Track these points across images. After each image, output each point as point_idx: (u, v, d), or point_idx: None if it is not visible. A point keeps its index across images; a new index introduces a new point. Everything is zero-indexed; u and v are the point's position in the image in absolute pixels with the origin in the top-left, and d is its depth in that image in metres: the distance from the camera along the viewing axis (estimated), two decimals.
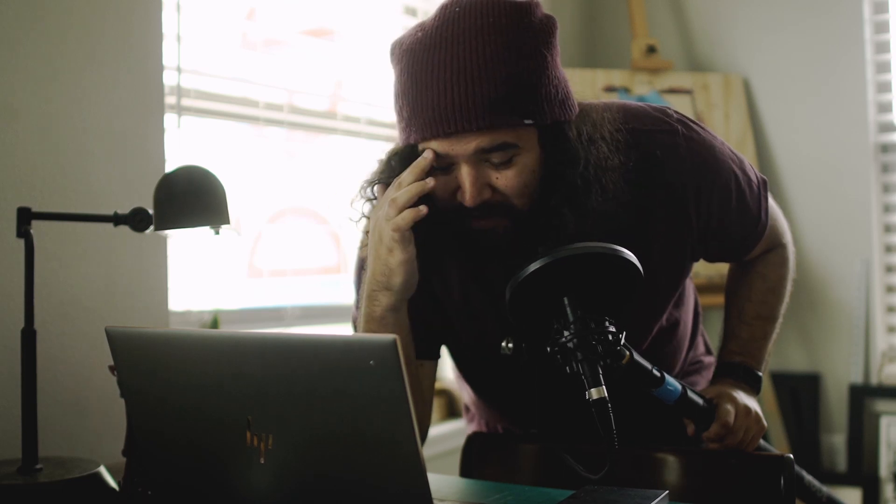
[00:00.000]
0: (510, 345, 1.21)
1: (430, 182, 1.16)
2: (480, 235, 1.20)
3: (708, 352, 1.62)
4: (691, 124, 1.32)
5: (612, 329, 1.14)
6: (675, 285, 1.37)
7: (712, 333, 1.63)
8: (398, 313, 1.24)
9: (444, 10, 1.16)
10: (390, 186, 1.21)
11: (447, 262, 1.32)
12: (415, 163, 1.17)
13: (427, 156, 1.16)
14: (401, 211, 1.16)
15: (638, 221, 1.26)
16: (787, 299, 1.49)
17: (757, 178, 1.38)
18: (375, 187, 1.28)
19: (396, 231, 1.17)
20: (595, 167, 1.19)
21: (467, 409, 1.67)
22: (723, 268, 1.57)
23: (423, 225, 1.20)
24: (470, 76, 1.11)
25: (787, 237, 1.49)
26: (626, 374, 1.20)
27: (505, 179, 1.16)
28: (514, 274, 1.14)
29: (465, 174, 1.15)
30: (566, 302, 1.15)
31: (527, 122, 1.14)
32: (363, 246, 1.34)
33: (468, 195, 1.15)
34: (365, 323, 1.26)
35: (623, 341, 1.16)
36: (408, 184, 1.17)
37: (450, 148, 1.14)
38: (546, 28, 1.16)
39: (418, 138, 1.17)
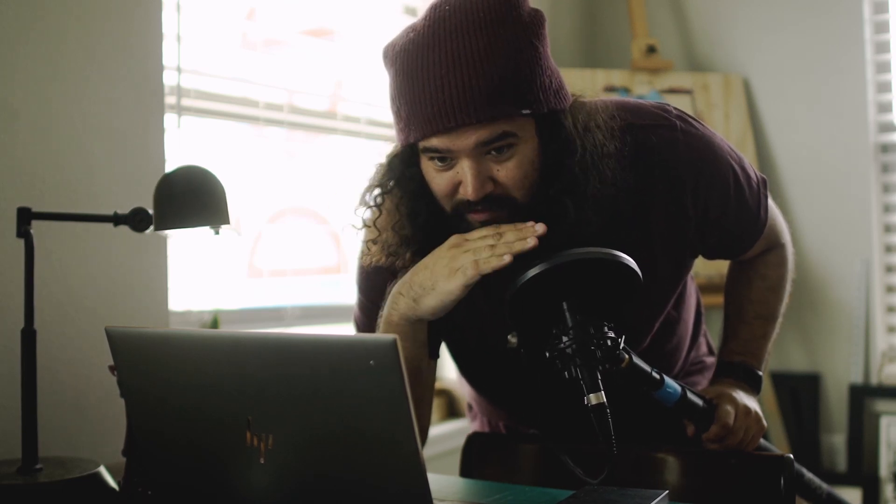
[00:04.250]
0: (515, 339, 1.20)
1: (532, 242, 1.14)
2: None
3: (710, 352, 1.61)
4: (690, 120, 1.32)
5: (612, 334, 1.14)
6: (675, 282, 1.37)
7: (712, 333, 1.63)
8: (414, 325, 1.23)
9: (434, 10, 1.17)
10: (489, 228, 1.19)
11: None
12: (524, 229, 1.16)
13: (531, 243, 1.14)
14: (498, 256, 1.14)
15: (638, 217, 1.26)
16: (786, 299, 1.49)
17: (756, 176, 1.38)
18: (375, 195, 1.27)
19: (475, 270, 1.15)
20: (592, 154, 1.20)
21: (470, 407, 1.67)
22: (723, 267, 1.57)
23: (426, 226, 1.20)
24: (466, 70, 1.12)
25: (787, 238, 1.49)
26: (626, 377, 1.20)
27: (506, 171, 1.16)
28: (515, 278, 1.14)
29: (467, 168, 1.15)
30: (565, 307, 1.14)
31: (524, 111, 1.15)
32: (363, 255, 1.34)
33: (471, 189, 1.15)
34: (383, 325, 1.25)
35: (622, 345, 1.16)
36: (511, 240, 1.15)
37: (451, 143, 1.14)
38: (535, 21, 1.17)
39: (418, 136, 1.17)
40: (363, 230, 1.32)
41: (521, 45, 1.14)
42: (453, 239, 1.20)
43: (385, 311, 1.25)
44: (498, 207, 1.18)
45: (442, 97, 1.12)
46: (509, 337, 1.20)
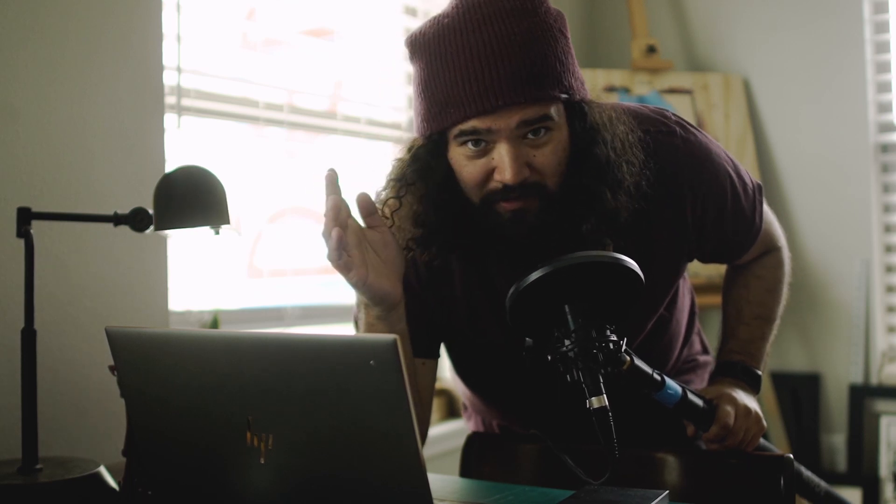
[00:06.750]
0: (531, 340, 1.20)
1: (336, 203, 1.18)
2: (510, 221, 1.19)
3: (705, 351, 1.62)
4: (689, 127, 1.34)
5: (614, 337, 1.14)
6: (669, 285, 1.37)
7: (711, 333, 1.63)
8: (386, 322, 1.25)
9: (462, 0, 1.19)
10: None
11: (452, 264, 1.32)
12: (329, 201, 1.19)
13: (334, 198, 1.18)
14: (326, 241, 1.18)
15: (637, 222, 1.26)
16: (783, 301, 1.50)
17: (752, 182, 1.39)
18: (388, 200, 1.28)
19: (330, 263, 1.19)
20: (621, 142, 1.22)
21: (465, 406, 1.67)
22: (722, 268, 1.57)
23: (454, 219, 1.21)
24: (510, 52, 1.14)
25: (782, 241, 1.51)
26: (627, 379, 1.20)
27: (542, 157, 1.18)
28: (518, 279, 1.14)
29: (506, 152, 1.16)
30: (567, 310, 1.14)
31: (563, 95, 1.17)
32: None
33: (510, 172, 1.15)
34: (363, 327, 1.28)
35: (624, 347, 1.16)
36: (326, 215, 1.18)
37: (492, 123, 1.15)
38: (560, 16, 1.21)
39: (458, 118, 1.17)
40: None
41: (554, 35, 1.17)
42: None
43: (361, 316, 1.27)
44: (531, 195, 1.18)
45: (488, 77, 1.13)
46: (528, 340, 1.19)
